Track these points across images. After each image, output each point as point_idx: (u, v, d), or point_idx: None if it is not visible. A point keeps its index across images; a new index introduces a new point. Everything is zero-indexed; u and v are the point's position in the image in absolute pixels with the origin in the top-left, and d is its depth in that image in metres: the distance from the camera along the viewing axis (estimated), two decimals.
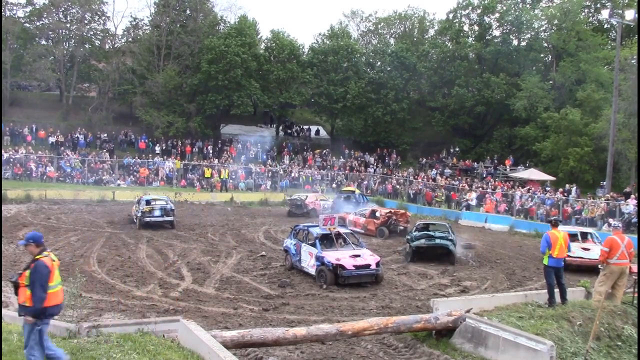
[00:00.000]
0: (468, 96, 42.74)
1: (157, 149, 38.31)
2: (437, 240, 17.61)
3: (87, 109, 40.47)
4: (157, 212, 22.30)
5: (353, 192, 29.92)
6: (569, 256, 12.27)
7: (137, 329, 7.73)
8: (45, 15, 41.32)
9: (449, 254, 17.51)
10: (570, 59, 39.24)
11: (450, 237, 17.94)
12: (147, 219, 22.01)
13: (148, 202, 22.89)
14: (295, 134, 46.40)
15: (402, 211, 24.01)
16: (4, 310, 8.82)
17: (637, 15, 30.78)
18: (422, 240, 17.68)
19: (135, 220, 22.68)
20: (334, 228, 15.64)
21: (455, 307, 9.72)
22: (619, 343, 9.39)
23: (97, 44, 43.54)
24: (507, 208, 29.30)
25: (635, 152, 30.24)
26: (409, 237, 18.41)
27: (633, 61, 32.20)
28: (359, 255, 14.58)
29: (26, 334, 6.18)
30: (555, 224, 10.96)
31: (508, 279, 15.88)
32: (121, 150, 38.10)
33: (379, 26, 53.57)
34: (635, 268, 11.19)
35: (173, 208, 22.97)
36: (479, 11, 45.21)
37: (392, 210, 23.48)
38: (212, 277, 14.60)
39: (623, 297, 10.98)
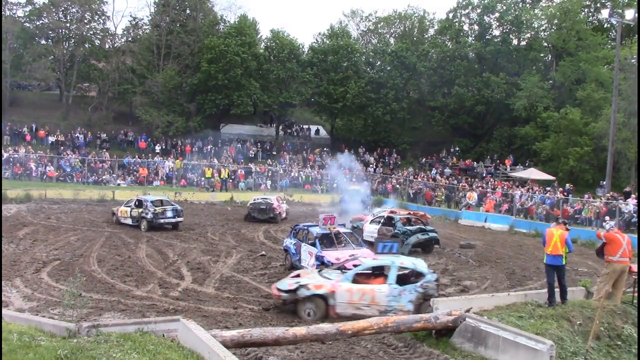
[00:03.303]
0: (468, 96, 42.76)
1: (157, 148, 38.31)
2: (430, 234, 19.48)
3: (87, 109, 40.51)
4: (169, 213, 21.65)
5: (358, 190, 29.71)
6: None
7: (137, 329, 7.71)
8: (45, 15, 41.34)
9: (436, 243, 19.75)
10: (570, 58, 39.25)
11: (434, 229, 20.14)
12: (162, 220, 21.31)
13: (158, 203, 22.04)
14: (295, 134, 46.41)
15: (422, 213, 23.82)
16: (4, 310, 8.82)
17: (637, 14, 30.77)
18: (418, 235, 19.17)
19: (130, 222, 21.80)
20: (334, 227, 15.63)
21: (455, 306, 9.72)
22: (619, 342, 9.40)
23: (97, 44, 43.56)
24: (508, 208, 29.29)
25: (635, 151, 30.26)
26: (397, 231, 19.22)
27: (633, 61, 32.21)
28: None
29: None
30: (559, 222, 11.09)
31: (508, 278, 15.88)
32: (121, 149, 38.10)
33: (379, 26, 53.62)
34: (635, 268, 11.19)
35: (181, 208, 22.51)
36: (478, 11, 45.24)
37: (411, 212, 23.25)
38: (212, 276, 14.59)
39: (623, 297, 10.99)
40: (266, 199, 25.94)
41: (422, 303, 11.01)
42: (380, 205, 28.67)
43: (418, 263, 11.99)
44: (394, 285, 11.19)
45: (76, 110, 41.28)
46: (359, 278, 11.66)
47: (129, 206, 22.36)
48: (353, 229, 20.29)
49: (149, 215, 21.31)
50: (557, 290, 10.56)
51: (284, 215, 26.08)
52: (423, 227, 19.70)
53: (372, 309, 11.02)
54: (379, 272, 11.94)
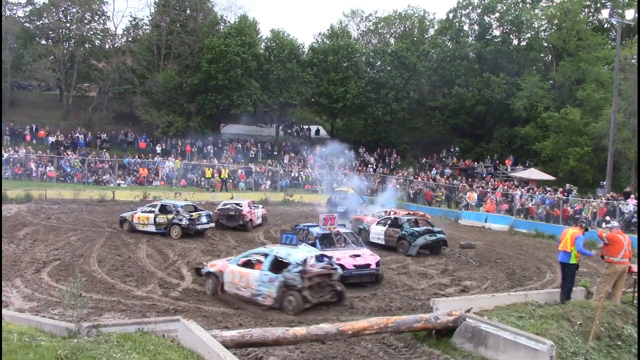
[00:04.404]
0: (468, 96, 42.80)
1: (157, 148, 38.32)
2: (438, 235, 19.15)
3: (87, 109, 40.49)
4: (204, 219, 20.57)
5: (346, 192, 28.83)
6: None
7: (137, 329, 7.72)
8: (45, 15, 41.37)
9: (444, 244, 19.48)
10: (570, 58, 39.26)
11: (442, 230, 19.80)
12: (198, 227, 20.24)
13: (191, 208, 21.07)
14: (295, 134, 46.42)
15: (422, 213, 23.70)
16: (4, 310, 8.82)
17: (637, 15, 30.78)
18: (426, 236, 18.87)
19: (154, 229, 20.22)
20: (334, 228, 15.63)
21: (455, 306, 9.73)
22: (619, 343, 9.40)
23: (97, 44, 43.61)
24: (508, 208, 29.27)
25: (635, 151, 30.27)
26: (404, 233, 19.03)
27: (633, 61, 32.22)
28: (359, 255, 14.59)
29: None
30: (578, 224, 11.48)
31: (508, 278, 15.88)
32: (121, 150, 38.10)
33: (379, 26, 53.74)
34: (635, 268, 11.21)
35: (211, 214, 21.35)
36: (479, 11, 45.28)
37: (411, 213, 23.06)
38: None
39: (623, 297, 11.01)
40: (236, 204, 23.19)
41: (285, 292, 11.48)
42: (373, 203, 28.40)
43: (294, 254, 12.15)
44: (265, 272, 11.85)
45: (76, 110, 41.29)
46: (249, 263, 12.64)
47: (151, 212, 20.59)
48: (360, 231, 20.31)
49: (184, 222, 19.90)
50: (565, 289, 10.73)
51: (257, 221, 23.72)
52: (431, 228, 19.49)
53: (247, 291, 12.01)
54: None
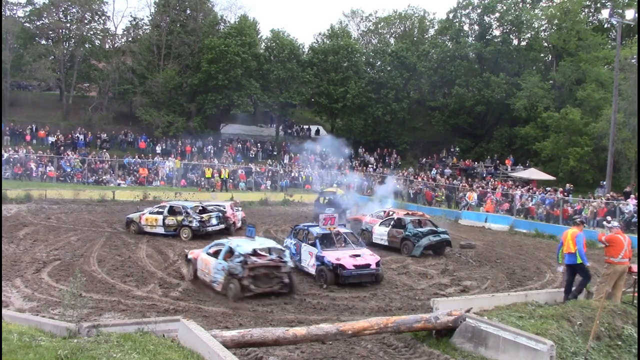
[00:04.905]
0: (468, 96, 42.81)
1: (157, 148, 38.31)
2: (442, 236, 19.06)
3: (87, 109, 40.48)
4: (214, 221, 20.25)
5: (334, 193, 27.63)
6: None
7: (137, 329, 7.72)
8: (45, 15, 41.34)
9: (447, 244, 19.28)
10: (570, 58, 39.27)
11: (446, 231, 19.74)
12: (209, 229, 19.96)
13: (201, 210, 20.75)
14: (295, 134, 46.41)
15: (420, 213, 23.50)
16: (4, 310, 8.82)
17: (637, 15, 30.79)
18: (430, 237, 18.81)
19: (162, 230, 19.92)
20: (334, 227, 15.63)
21: (455, 306, 9.73)
22: (619, 343, 9.39)
23: (97, 44, 43.58)
24: (508, 208, 29.26)
25: (635, 151, 30.27)
26: (408, 233, 18.94)
27: (633, 61, 32.23)
28: (359, 255, 14.58)
29: None
30: (575, 222, 11.72)
31: (508, 278, 15.87)
32: (121, 150, 38.10)
33: (379, 26, 53.77)
34: (635, 268, 11.21)
35: (220, 215, 20.94)
36: (479, 11, 45.29)
37: (410, 213, 22.72)
38: None
39: (623, 297, 11.01)
40: (219, 205, 22.29)
41: (230, 279, 12.38)
42: (371, 201, 28.21)
43: (243, 245, 13.15)
44: (220, 261, 12.89)
45: (76, 110, 41.28)
46: (215, 252, 13.53)
47: (159, 213, 20.22)
48: (363, 232, 20.24)
49: (195, 224, 19.71)
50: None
51: (238, 224, 22.66)
52: (434, 228, 19.36)
53: (208, 277, 13.12)
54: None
